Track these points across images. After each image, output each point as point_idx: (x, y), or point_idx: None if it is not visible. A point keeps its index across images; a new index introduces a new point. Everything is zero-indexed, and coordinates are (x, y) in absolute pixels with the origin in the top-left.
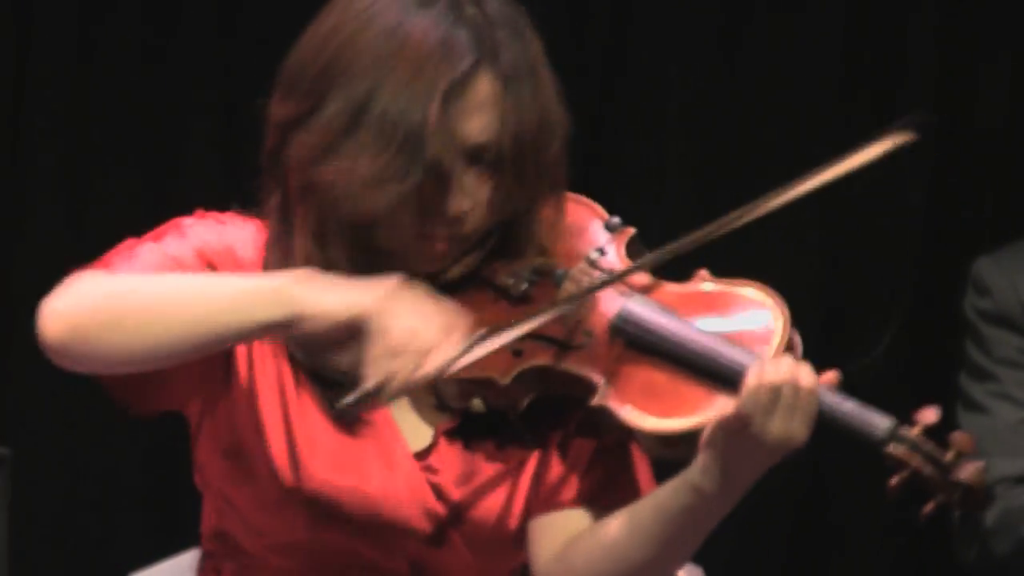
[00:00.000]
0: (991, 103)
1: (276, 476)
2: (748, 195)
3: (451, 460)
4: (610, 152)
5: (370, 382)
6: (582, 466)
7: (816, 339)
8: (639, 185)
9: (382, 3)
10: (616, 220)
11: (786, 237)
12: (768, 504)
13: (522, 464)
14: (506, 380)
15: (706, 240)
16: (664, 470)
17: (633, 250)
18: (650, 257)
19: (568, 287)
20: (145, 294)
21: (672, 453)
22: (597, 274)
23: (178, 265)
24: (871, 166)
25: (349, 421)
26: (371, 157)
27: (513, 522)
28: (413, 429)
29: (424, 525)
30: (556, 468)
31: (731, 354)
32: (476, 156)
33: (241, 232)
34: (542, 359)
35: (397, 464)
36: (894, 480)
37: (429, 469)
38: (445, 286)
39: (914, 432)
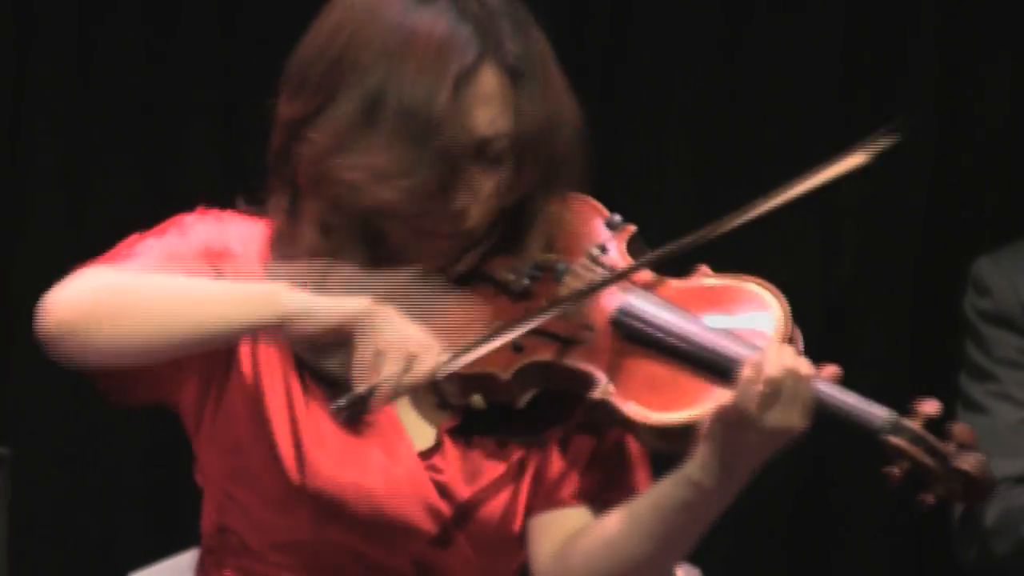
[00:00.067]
0: (991, 103)
1: (280, 473)
2: (748, 195)
3: (455, 459)
4: (610, 152)
5: (360, 386)
6: (582, 464)
7: (816, 339)
8: (639, 185)
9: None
10: (617, 218)
11: (786, 237)
12: (767, 504)
13: (524, 462)
14: (507, 375)
15: (707, 239)
16: (662, 467)
17: (634, 248)
18: (653, 255)
19: (569, 283)
20: (142, 291)
21: (671, 447)
22: (599, 271)
23: (180, 261)
24: (870, 165)
25: (345, 422)
26: (386, 151)
27: (516, 520)
28: (417, 428)
29: (428, 524)
30: (556, 465)
31: (731, 348)
32: (482, 150)
33: (243, 229)
34: (543, 354)
35: (402, 463)
36: (895, 471)
37: (433, 468)
38: (447, 281)
39: (915, 423)
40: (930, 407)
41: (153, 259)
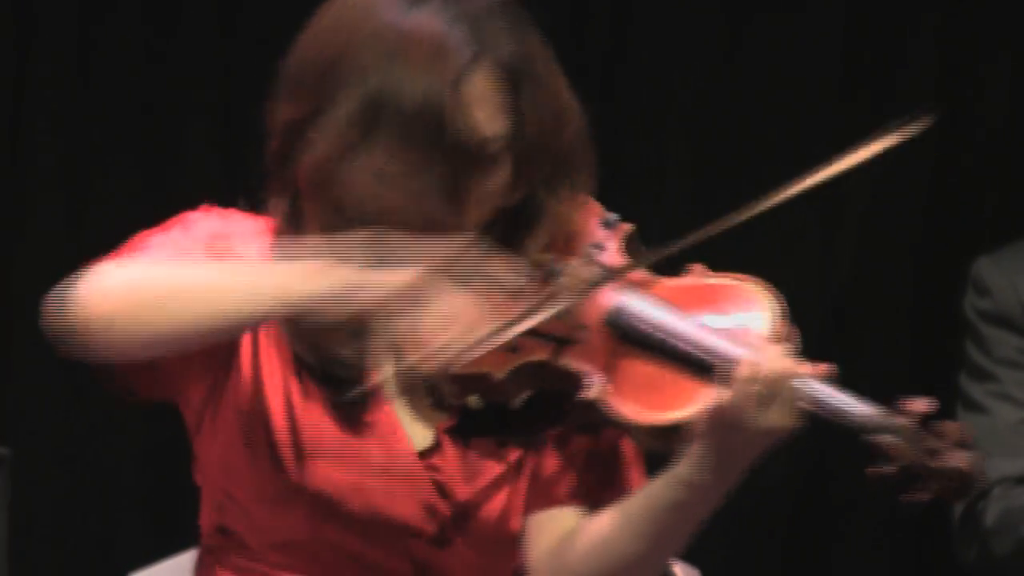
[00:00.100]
0: (991, 103)
1: (278, 474)
2: (748, 195)
3: (453, 458)
4: (610, 152)
5: (378, 372)
6: (578, 463)
7: (816, 339)
8: (639, 185)
9: (378, 0)
10: (613, 216)
11: (786, 237)
12: (766, 502)
13: (522, 462)
14: (502, 375)
15: (706, 239)
16: (658, 467)
17: (631, 246)
18: (650, 255)
19: (564, 282)
20: (182, 275)
21: (666, 447)
22: (596, 270)
23: (188, 256)
24: (870, 164)
25: (358, 410)
26: (386, 153)
27: (515, 520)
28: (415, 428)
29: (427, 524)
30: (552, 465)
31: (724, 347)
32: (482, 150)
33: (247, 226)
34: (537, 354)
35: (400, 463)
36: (885, 470)
37: (432, 467)
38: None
39: (906, 422)
40: (921, 405)
41: (163, 254)
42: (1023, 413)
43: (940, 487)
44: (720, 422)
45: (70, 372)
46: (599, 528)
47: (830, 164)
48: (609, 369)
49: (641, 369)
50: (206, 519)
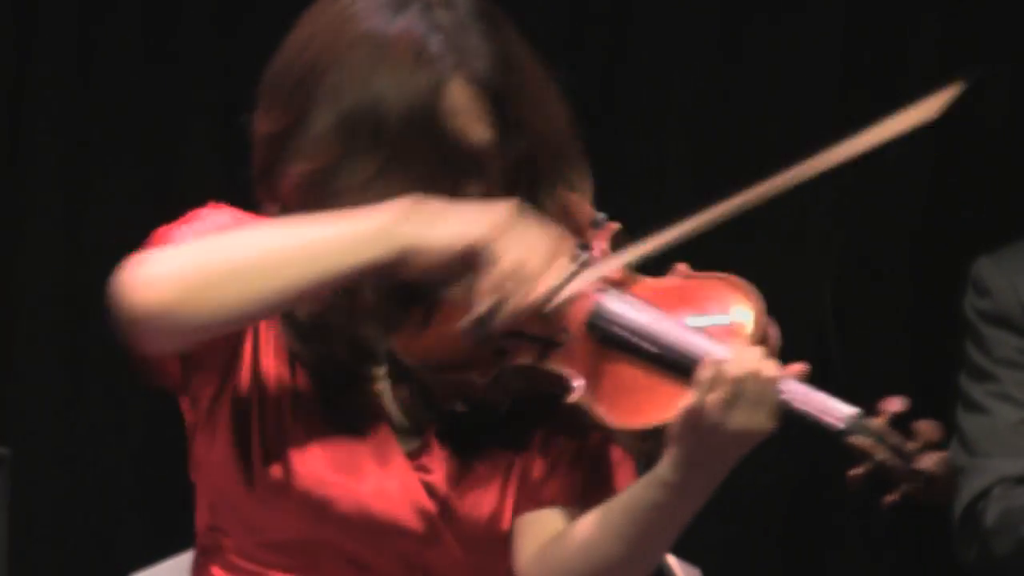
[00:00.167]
0: (991, 103)
1: (269, 473)
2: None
3: (443, 459)
4: (610, 152)
5: (482, 307)
6: (564, 465)
7: (815, 339)
8: (639, 185)
9: (354, 10)
10: (601, 216)
11: (786, 237)
12: (765, 503)
13: (510, 462)
14: (486, 380)
15: (690, 234)
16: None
17: (619, 246)
18: (636, 248)
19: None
20: (248, 245)
21: (652, 449)
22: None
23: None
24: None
25: (349, 411)
26: (375, 165)
27: (505, 520)
28: (404, 429)
29: (417, 524)
30: (539, 466)
31: (702, 347)
32: (463, 160)
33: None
34: (521, 358)
35: (390, 463)
36: (857, 471)
37: (422, 468)
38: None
39: (878, 422)
40: (895, 404)
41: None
42: (1023, 413)
43: (910, 488)
44: (691, 425)
45: (70, 372)
46: (583, 530)
47: (894, 119)
48: (592, 372)
49: (623, 371)
50: (200, 518)
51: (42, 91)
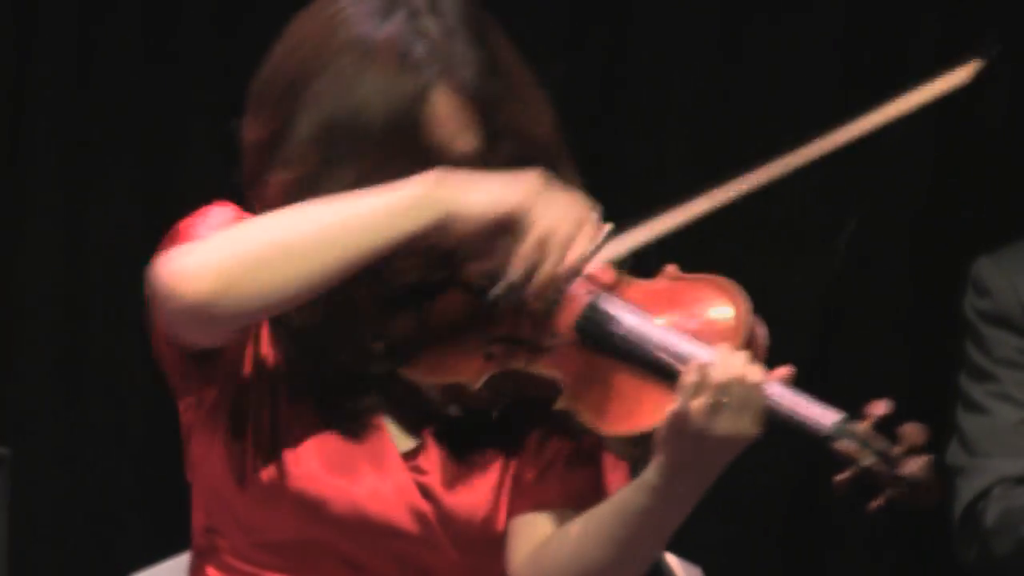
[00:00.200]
0: (991, 103)
1: (264, 474)
2: (747, 195)
3: (438, 461)
4: (610, 152)
5: (515, 273)
6: (558, 468)
7: (816, 339)
8: (639, 185)
9: (343, 17)
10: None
11: (786, 236)
12: (765, 503)
13: (506, 465)
14: (476, 385)
15: (674, 228)
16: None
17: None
18: (623, 241)
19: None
20: (287, 227)
21: (640, 454)
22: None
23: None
24: (868, 166)
25: (345, 413)
26: (361, 173)
27: (499, 522)
28: (400, 431)
29: (412, 526)
30: (532, 469)
31: (689, 351)
32: (452, 165)
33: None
34: (511, 363)
35: (385, 465)
36: (842, 476)
37: (417, 470)
38: (421, 290)
39: (863, 426)
40: (879, 408)
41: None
42: (1023, 413)
43: (895, 493)
44: (676, 430)
45: (70, 372)
46: (575, 533)
47: (920, 87)
48: (579, 377)
49: (612, 376)
50: (196, 519)
51: (42, 91)
